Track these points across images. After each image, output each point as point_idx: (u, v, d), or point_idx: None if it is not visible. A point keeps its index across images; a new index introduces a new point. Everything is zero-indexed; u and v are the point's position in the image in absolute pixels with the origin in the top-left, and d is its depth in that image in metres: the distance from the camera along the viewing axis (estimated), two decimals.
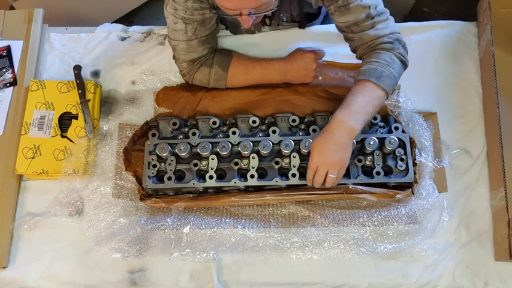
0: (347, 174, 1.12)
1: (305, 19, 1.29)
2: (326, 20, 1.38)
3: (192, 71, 1.19)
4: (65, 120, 1.20)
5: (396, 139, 1.10)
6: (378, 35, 1.06)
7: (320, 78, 1.23)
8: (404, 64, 1.08)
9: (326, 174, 1.03)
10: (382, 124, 1.15)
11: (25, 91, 1.24)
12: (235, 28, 1.28)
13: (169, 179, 1.11)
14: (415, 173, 1.10)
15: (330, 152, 1.01)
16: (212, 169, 1.10)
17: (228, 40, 1.30)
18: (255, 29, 1.29)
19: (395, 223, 1.10)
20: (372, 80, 1.02)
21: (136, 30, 1.34)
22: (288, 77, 1.19)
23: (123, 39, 1.33)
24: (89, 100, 1.21)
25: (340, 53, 1.26)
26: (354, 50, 1.11)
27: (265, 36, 1.30)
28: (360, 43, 1.08)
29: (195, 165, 1.12)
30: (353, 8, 1.03)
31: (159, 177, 1.14)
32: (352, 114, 1.01)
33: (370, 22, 1.05)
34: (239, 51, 1.25)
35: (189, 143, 1.12)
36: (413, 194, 1.10)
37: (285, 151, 1.10)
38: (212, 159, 1.11)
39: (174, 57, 1.20)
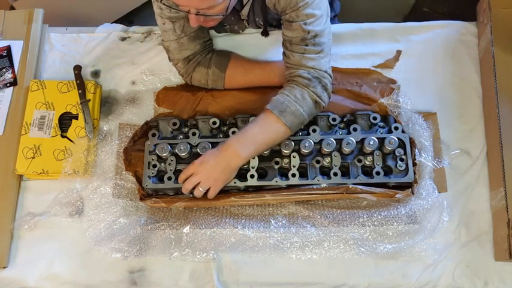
0: (347, 174, 1.12)
1: (280, 25, 1.27)
2: None
3: (189, 71, 1.19)
4: (65, 120, 1.20)
5: (396, 139, 1.11)
6: (300, 62, 1.04)
7: None
8: (318, 105, 1.06)
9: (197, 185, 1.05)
10: (382, 124, 1.15)
11: (25, 91, 1.24)
12: (219, 27, 1.28)
13: (169, 179, 1.11)
14: (414, 173, 1.10)
15: (210, 167, 1.04)
16: None
17: (221, 40, 1.30)
18: (238, 28, 1.29)
19: (395, 223, 1.10)
20: (274, 112, 1.03)
21: (136, 30, 1.34)
22: None
23: (123, 39, 1.33)
24: (89, 100, 1.21)
25: (340, 53, 1.27)
26: (285, 68, 1.10)
27: (259, 38, 1.30)
28: (287, 62, 1.08)
29: None
30: (294, 26, 1.03)
31: (159, 177, 1.14)
32: (242, 141, 1.04)
33: (301, 47, 1.04)
34: (235, 51, 1.25)
35: (189, 143, 1.12)
36: (413, 194, 1.10)
37: (285, 151, 1.10)
38: None
39: (170, 60, 1.20)
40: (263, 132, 1.04)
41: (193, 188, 1.06)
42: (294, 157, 1.11)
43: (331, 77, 1.08)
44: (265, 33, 1.24)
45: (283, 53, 1.09)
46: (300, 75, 1.05)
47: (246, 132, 1.04)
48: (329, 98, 1.09)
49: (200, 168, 1.04)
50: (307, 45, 1.04)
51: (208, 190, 1.06)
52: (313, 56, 1.04)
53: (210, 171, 1.04)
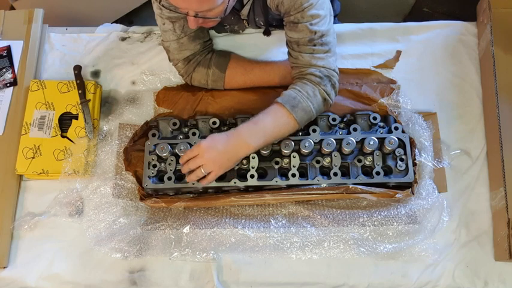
0: (347, 174, 1.12)
1: (280, 25, 1.25)
2: None
3: (189, 71, 1.19)
4: (65, 120, 1.20)
5: (396, 139, 1.11)
6: (310, 62, 1.05)
7: None
8: (327, 103, 1.08)
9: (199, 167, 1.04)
10: (382, 124, 1.15)
11: (25, 91, 1.24)
12: (219, 27, 1.28)
13: (169, 179, 1.11)
14: (414, 173, 1.10)
15: (217, 153, 1.03)
16: None
17: (221, 40, 1.30)
18: (238, 28, 1.29)
19: (395, 223, 1.10)
20: (286, 106, 1.03)
21: (136, 30, 1.34)
22: (287, 80, 1.19)
23: (123, 39, 1.33)
24: (89, 100, 1.21)
25: (340, 53, 1.27)
26: (291, 67, 1.11)
27: (259, 38, 1.30)
28: (295, 63, 1.08)
29: None
30: (300, 28, 1.03)
31: (159, 177, 1.14)
32: (252, 131, 1.03)
33: (310, 47, 1.05)
34: (235, 51, 1.25)
35: (189, 143, 1.12)
36: (413, 193, 1.10)
37: (285, 151, 1.10)
38: None
39: (170, 60, 1.20)
40: (274, 125, 1.04)
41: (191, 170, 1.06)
42: (294, 157, 1.11)
43: (338, 76, 1.09)
44: (267, 33, 1.25)
45: (289, 54, 1.09)
46: (312, 73, 1.05)
47: (257, 122, 1.04)
48: (335, 96, 1.09)
49: (207, 151, 1.03)
50: (315, 45, 1.04)
51: (207, 174, 1.05)
52: (322, 55, 1.05)
53: (217, 156, 1.03)
